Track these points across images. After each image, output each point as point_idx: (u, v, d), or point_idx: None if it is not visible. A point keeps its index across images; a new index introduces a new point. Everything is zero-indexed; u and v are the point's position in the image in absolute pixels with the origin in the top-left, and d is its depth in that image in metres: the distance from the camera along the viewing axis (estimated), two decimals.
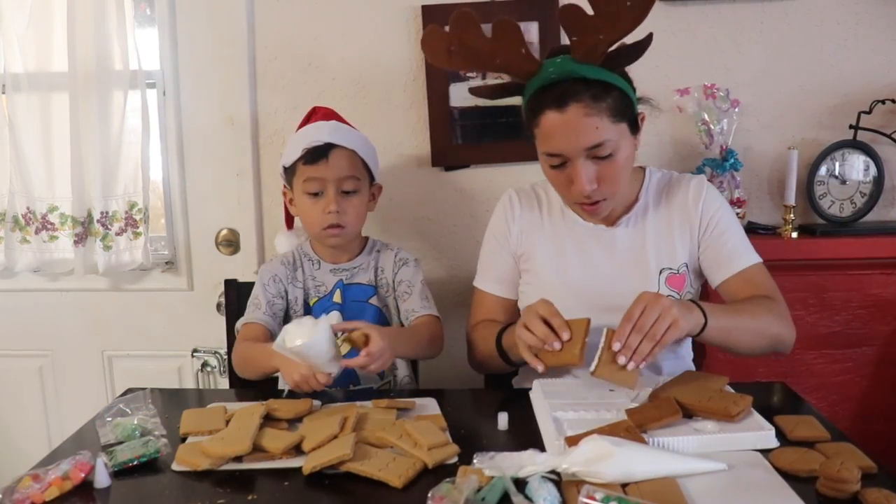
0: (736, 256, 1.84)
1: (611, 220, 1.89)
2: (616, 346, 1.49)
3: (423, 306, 2.07)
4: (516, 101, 2.42)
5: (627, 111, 1.70)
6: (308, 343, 1.64)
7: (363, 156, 2.05)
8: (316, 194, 2.01)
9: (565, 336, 1.55)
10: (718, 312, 1.63)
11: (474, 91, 1.92)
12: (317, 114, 2.11)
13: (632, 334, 1.48)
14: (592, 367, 1.52)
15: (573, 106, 1.64)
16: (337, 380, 1.84)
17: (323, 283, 2.10)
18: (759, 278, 1.83)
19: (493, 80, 2.45)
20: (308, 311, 2.08)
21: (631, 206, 1.89)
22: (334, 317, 1.73)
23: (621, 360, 1.48)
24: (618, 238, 1.88)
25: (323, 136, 1.99)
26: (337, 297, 2.08)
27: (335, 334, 1.71)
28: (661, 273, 1.85)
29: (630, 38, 1.63)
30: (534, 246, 1.94)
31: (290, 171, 2.06)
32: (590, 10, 1.58)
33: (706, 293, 1.98)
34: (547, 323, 1.58)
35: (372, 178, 2.11)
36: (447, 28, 1.70)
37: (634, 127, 1.75)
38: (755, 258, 1.85)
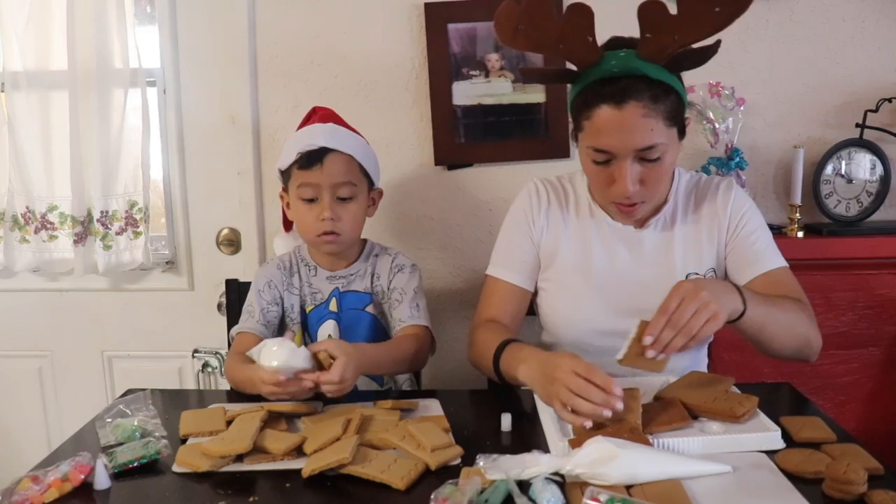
0: (762, 258, 1.78)
1: (640, 222, 1.84)
2: (648, 340, 1.42)
3: (410, 315, 1.99)
4: (521, 99, 2.47)
5: (680, 116, 1.66)
6: (280, 367, 1.54)
7: (361, 160, 1.99)
8: (311, 200, 1.96)
9: (619, 406, 1.37)
10: (758, 300, 1.56)
11: (523, 71, 1.90)
12: (315, 115, 2.07)
13: (665, 329, 1.41)
14: (620, 356, 1.46)
15: (632, 104, 1.58)
16: None
17: (319, 290, 2.06)
18: (786, 281, 1.77)
19: (494, 77, 2.46)
20: (304, 318, 2.06)
21: (660, 209, 1.83)
22: (323, 339, 1.65)
23: (650, 353, 1.41)
24: (645, 240, 1.84)
25: (318, 140, 1.93)
26: (333, 306, 2.04)
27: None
28: (687, 277, 1.80)
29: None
30: (558, 242, 1.89)
31: (285, 175, 2.02)
32: (673, 10, 1.51)
33: None
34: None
35: (371, 183, 2.06)
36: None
37: (682, 133, 1.71)
38: (782, 262, 1.79)
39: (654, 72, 1.59)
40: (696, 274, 1.81)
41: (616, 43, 1.67)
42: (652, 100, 1.59)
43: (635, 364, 1.45)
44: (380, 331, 2.08)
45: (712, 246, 1.83)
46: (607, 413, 1.36)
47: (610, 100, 1.59)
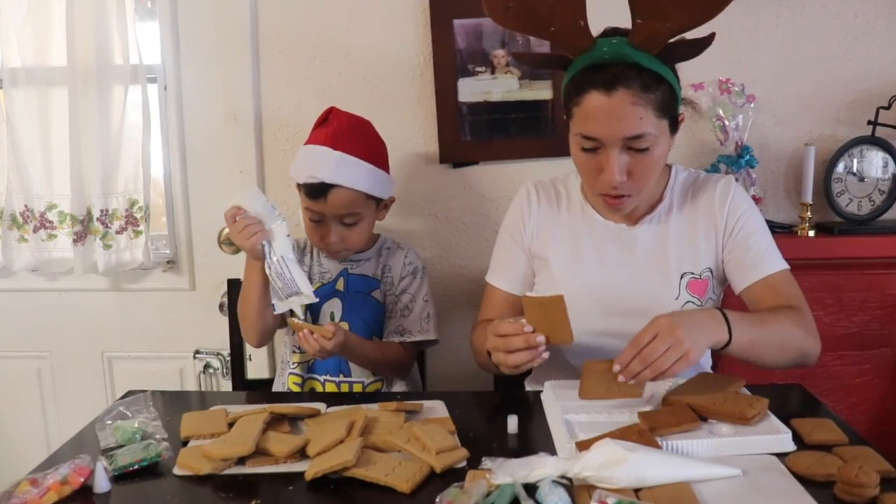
0: (761, 262, 1.76)
1: (633, 220, 1.83)
2: (616, 368, 1.43)
3: (420, 330, 2.10)
4: (527, 96, 2.46)
5: (671, 109, 1.65)
6: (241, 203, 1.83)
7: (366, 190, 2.01)
8: (317, 221, 2.03)
9: (540, 339, 1.51)
10: (745, 324, 1.54)
11: (517, 56, 1.92)
12: (328, 125, 2.05)
13: (635, 361, 1.42)
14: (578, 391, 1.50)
15: (621, 91, 1.58)
16: (328, 367, 2.07)
17: (328, 270, 2.14)
18: (785, 286, 1.75)
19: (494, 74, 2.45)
20: None
21: (654, 206, 1.83)
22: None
23: (620, 378, 1.43)
24: (639, 239, 1.83)
25: (321, 174, 1.95)
26: (340, 285, 2.11)
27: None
28: (682, 277, 1.79)
29: (690, 34, 1.58)
30: (549, 244, 1.88)
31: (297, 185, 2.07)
32: None
33: (728, 301, 1.92)
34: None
35: (380, 199, 2.09)
36: None
37: (675, 127, 1.70)
38: (781, 264, 1.77)
39: (646, 60, 1.59)
40: (692, 274, 1.80)
41: (611, 33, 1.67)
42: (642, 88, 1.58)
43: (602, 393, 1.49)
44: (381, 317, 2.15)
45: (709, 245, 1.81)
46: (543, 354, 1.51)
47: (600, 86, 1.60)
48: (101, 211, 2.52)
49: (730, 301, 1.90)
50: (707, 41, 1.57)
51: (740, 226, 1.78)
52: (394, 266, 2.14)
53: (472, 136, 2.52)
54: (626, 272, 1.82)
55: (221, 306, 2.61)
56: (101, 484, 1.32)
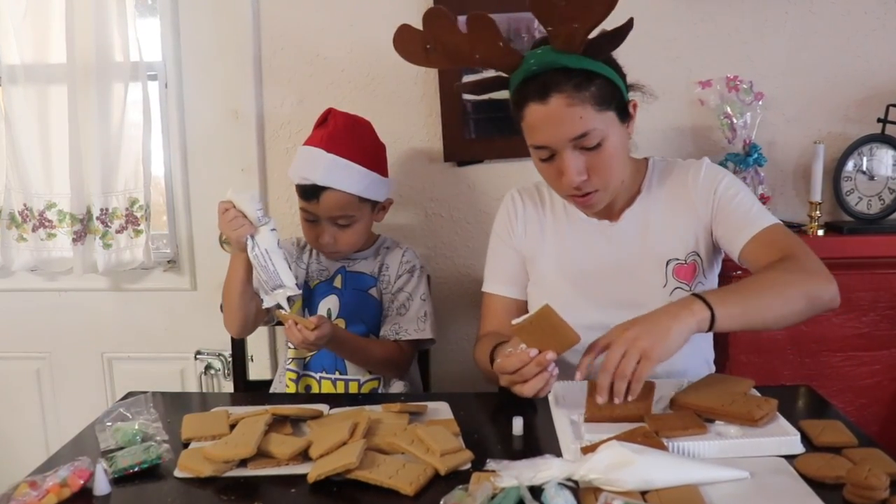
0: (749, 221, 1.75)
1: (614, 214, 1.86)
2: (600, 400, 1.44)
3: (417, 329, 2.11)
4: None
5: (614, 99, 1.68)
6: (233, 197, 1.83)
7: (359, 193, 2.03)
8: (312, 220, 2.06)
9: (550, 356, 1.49)
10: (729, 298, 1.51)
11: (462, 87, 1.98)
12: (326, 126, 2.06)
13: (601, 375, 1.43)
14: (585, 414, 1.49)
15: (555, 96, 1.63)
16: (324, 364, 2.09)
17: (326, 268, 2.17)
18: (779, 237, 1.73)
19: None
20: (308, 292, 2.14)
21: (633, 199, 1.86)
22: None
23: (599, 399, 1.44)
24: (622, 232, 1.85)
25: (314, 177, 1.98)
26: (338, 283, 2.12)
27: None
28: (668, 264, 1.82)
29: (611, 25, 1.60)
30: (538, 245, 1.92)
31: None
32: None
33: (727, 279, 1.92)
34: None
35: (375, 201, 2.11)
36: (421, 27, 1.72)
37: (625, 115, 1.73)
38: (772, 220, 1.76)
39: (573, 61, 1.63)
40: (677, 260, 1.82)
41: (539, 43, 1.72)
42: (575, 88, 1.63)
43: (607, 414, 1.46)
44: (378, 314, 2.16)
45: (691, 229, 1.83)
46: (554, 372, 1.51)
47: (535, 96, 1.66)
48: (101, 210, 2.52)
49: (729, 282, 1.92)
50: (626, 29, 1.61)
51: (719, 196, 1.80)
52: (391, 264, 2.15)
53: (477, 134, 2.51)
54: (612, 265, 1.85)
55: (223, 307, 2.60)
56: (101, 486, 1.31)
